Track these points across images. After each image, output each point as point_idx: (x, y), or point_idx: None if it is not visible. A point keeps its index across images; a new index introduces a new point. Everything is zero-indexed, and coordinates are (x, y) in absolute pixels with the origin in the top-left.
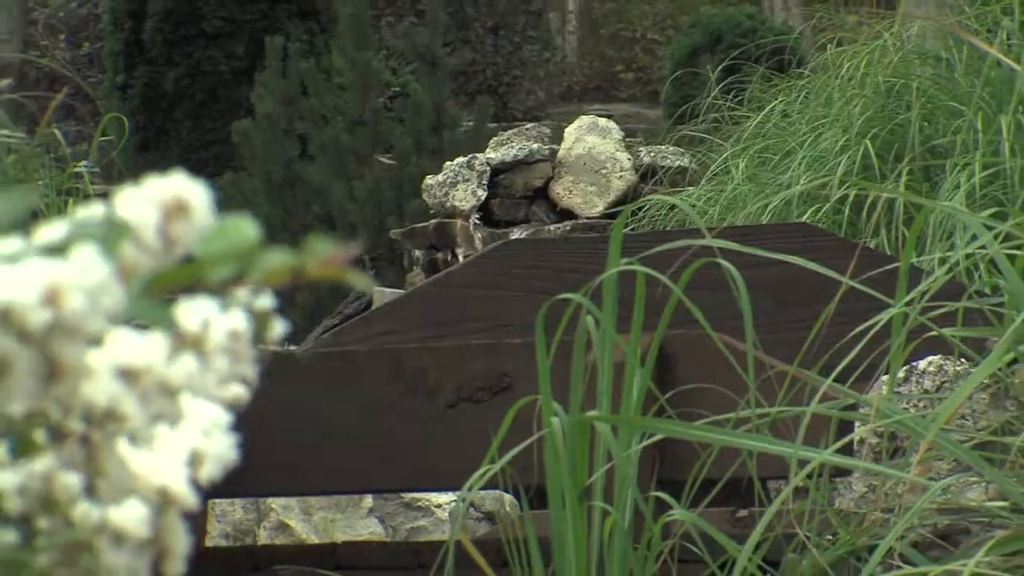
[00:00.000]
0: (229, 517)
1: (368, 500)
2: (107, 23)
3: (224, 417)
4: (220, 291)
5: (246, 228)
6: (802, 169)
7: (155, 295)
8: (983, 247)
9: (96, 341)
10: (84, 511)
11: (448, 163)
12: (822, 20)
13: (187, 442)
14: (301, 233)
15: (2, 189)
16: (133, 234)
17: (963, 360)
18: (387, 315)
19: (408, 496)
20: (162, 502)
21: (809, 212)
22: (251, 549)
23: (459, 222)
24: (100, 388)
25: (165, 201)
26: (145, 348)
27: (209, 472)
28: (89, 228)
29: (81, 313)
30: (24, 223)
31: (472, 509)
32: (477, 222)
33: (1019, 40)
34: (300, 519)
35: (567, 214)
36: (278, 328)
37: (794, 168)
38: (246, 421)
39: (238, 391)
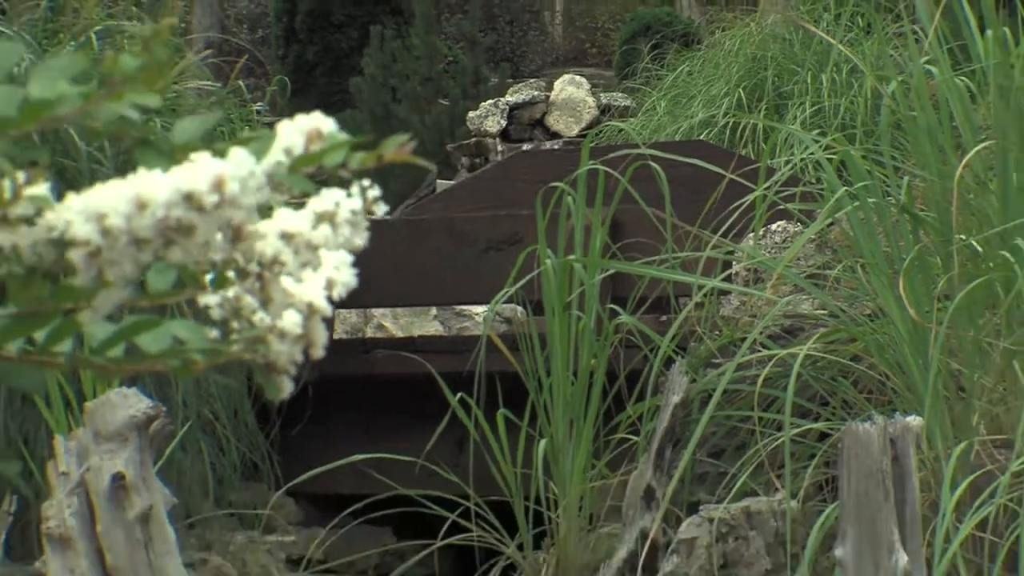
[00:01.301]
0: (348, 321)
1: (433, 310)
2: (272, 17)
3: (347, 259)
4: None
5: (342, 137)
6: (699, 107)
7: (299, 173)
8: (812, 153)
9: (265, 214)
10: (260, 317)
11: (482, 104)
12: (712, 15)
13: (324, 275)
14: (390, 128)
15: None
16: (283, 144)
17: (799, 224)
18: (444, 197)
19: (458, 308)
20: (309, 312)
21: (704, 133)
22: (362, 340)
23: (489, 140)
24: (269, 245)
25: (307, 129)
26: (298, 219)
27: (338, 293)
28: (254, 143)
29: (237, 194)
30: (209, 135)
31: (496, 316)
32: (500, 140)
33: (833, 26)
34: (391, 322)
35: (555, 135)
36: (380, 207)
37: (695, 106)
38: (360, 262)
39: (356, 244)
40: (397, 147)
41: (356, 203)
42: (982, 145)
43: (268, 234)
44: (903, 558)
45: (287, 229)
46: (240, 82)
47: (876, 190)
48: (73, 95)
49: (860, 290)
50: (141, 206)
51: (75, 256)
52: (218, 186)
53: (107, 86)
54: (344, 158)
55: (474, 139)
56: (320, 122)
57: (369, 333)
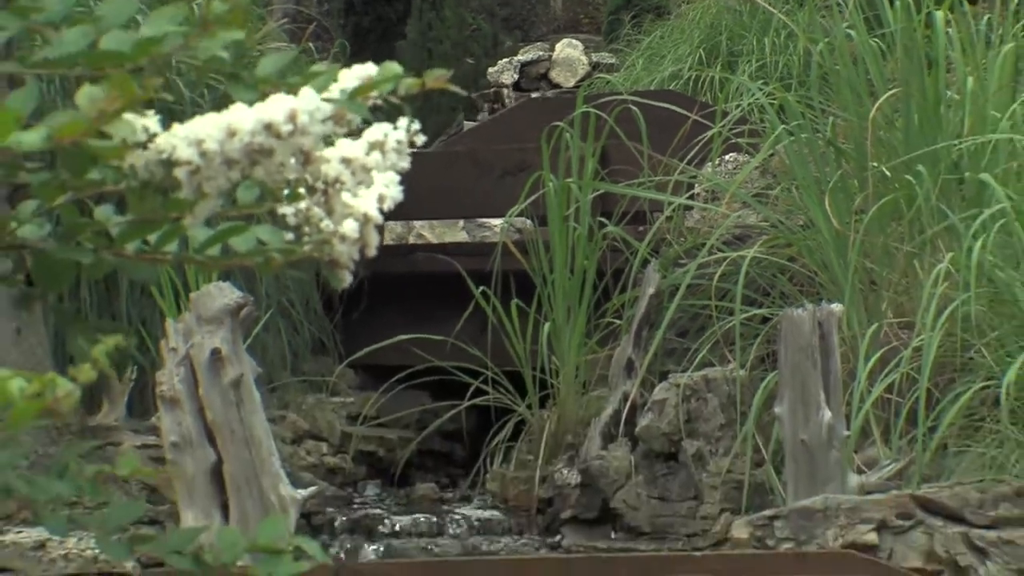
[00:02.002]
0: (394, 231)
1: (461, 223)
2: None
3: (394, 179)
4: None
5: (398, 67)
6: (669, 64)
7: (357, 100)
8: (757, 99)
9: (329, 143)
10: (325, 224)
11: (499, 62)
12: None
13: (376, 191)
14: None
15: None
16: (342, 84)
17: (747, 155)
18: (470, 135)
19: (480, 220)
20: (364, 221)
21: (673, 84)
22: (405, 246)
23: (504, 90)
24: (332, 167)
25: (360, 75)
26: (355, 147)
27: (387, 206)
28: (319, 78)
29: (307, 123)
30: (284, 71)
31: (510, 227)
32: (513, 90)
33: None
34: (428, 231)
35: (557, 86)
36: (420, 139)
37: (665, 63)
38: (403, 182)
39: (400, 167)
40: (436, 77)
41: (401, 134)
42: (890, 92)
43: (331, 159)
44: (827, 414)
45: (346, 154)
46: (310, 44)
47: (807, 128)
48: (176, 33)
49: (794, 206)
50: (231, 133)
51: (179, 173)
52: (292, 117)
53: (202, 25)
54: (395, 85)
55: (493, 89)
56: (371, 69)
57: (411, 240)
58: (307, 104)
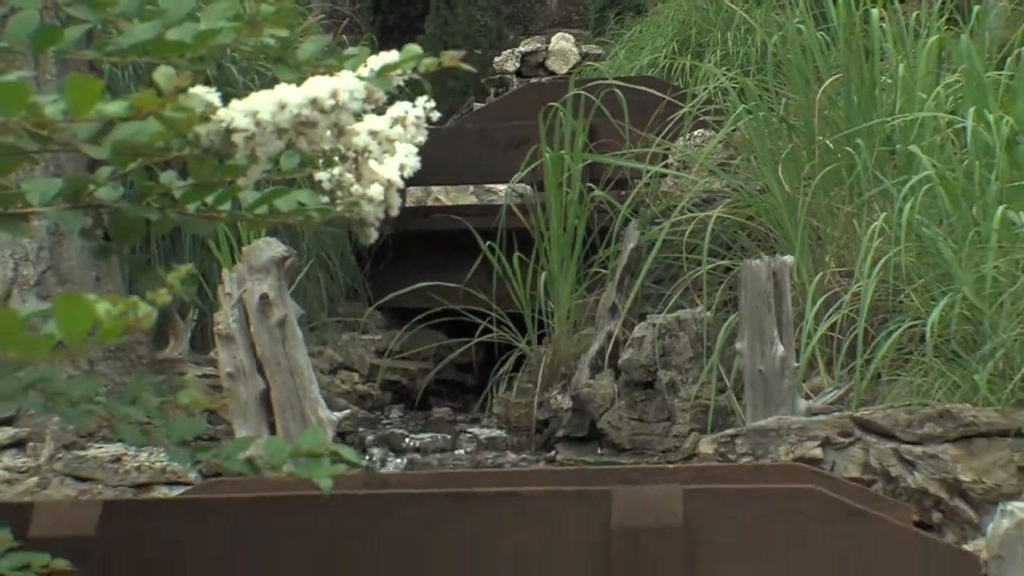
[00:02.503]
0: (414, 195)
1: (471, 188)
2: None
3: (413, 150)
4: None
5: (418, 48)
6: (647, 54)
7: (384, 78)
8: (721, 84)
9: (359, 118)
10: (355, 188)
11: (504, 52)
12: None
13: (398, 160)
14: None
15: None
16: (371, 65)
17: (713, 130)
18: (479, 114)
19: (487, 186)
20: (388, 185)
21: (650, 71)
22: (423, 207)
23: (508, 76)
24: (361, 139)
25: (386, 58)
26: (380, 121)
27: (407, 173)
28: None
29: (346, 101)
30: (321, 55)
31: (513, 192)
32: (516, 76)
33: None
34: (443, 195)
35: (552, 73)
36: (436, 115)
37: (644, 53)
38: (421, 153)
39: (419, 140)
40: (451, 57)
41: (419, 111)
42: (833, 78)
43: (360, 131)
44: (780, 349)
45: (373, 128)
46: (344, 37)
47: (763, 108)
48: (230, 28)
49: (752, 174)
50: (282, 106)
51: (237, 139)
52: (334, 95)
53: (252, 23)
54: (416, 64)
55: (498, 76)
56: (393, 55)
57: (428, 203)
58: (347, 84)
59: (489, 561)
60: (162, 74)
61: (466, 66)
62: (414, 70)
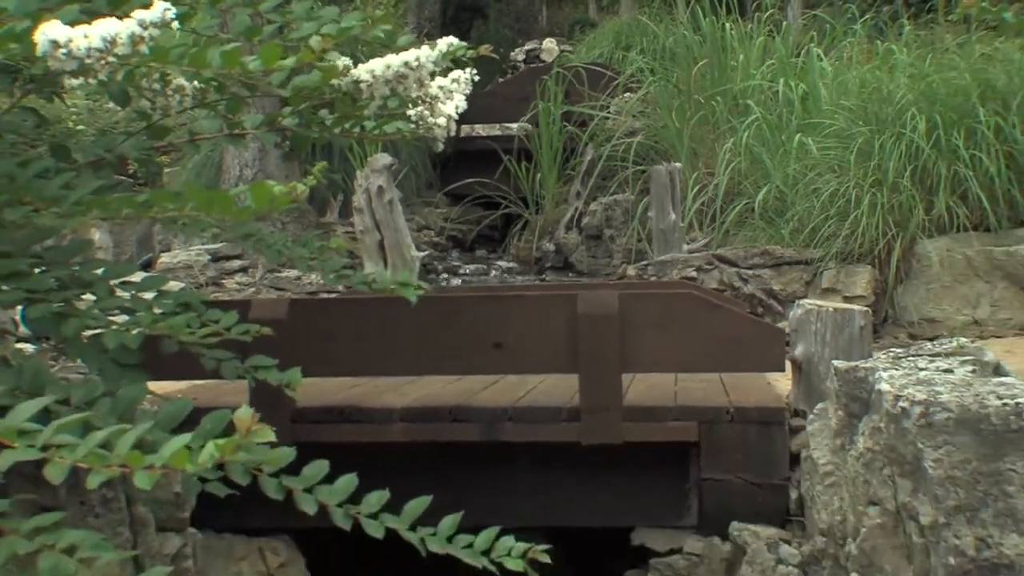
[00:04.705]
0: (463, 128)
1: (497, 125)
2: (437, 9)
3: (463, 99)
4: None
5: (462, 42)
6: (598, 49)
7: (447, 56)
8: (640, 67)
9: (433, 78)
10: (431, 119)
11: (516, 49)
12: (602, 16)
13: (454, 104)
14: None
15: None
16: (439, 48)
17: (634, 93)
18: (502, 84)
19: (505, 124)
20: (448, 118)
21: (600, 59)
22: (468, 136)
23: (520, 63)
24: (433, 90)
25: (445, 43)
26: (444, 80)
27: (459, 112)
28: (427, 45)
29: (424, 63)
30: (410, 43)
31: (521, 128)
32: (523, 63)
33: (653, 18)
34: (481, 128)
35: (543, 61)
36: (476, 78)
37: (596, 49)
38: (468, 102)
39: (466, 92)
40: (483, 48)
41: (467, 76)
42: (703, 61)
43: (432, 85)
44: (673, 216)
45: (440, 83)
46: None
47: (664, 79)
48: (359, 24)
49: (658, 118)
50: (387, 67)
51: (362, 87)
52: (417, 59)
53: (371, 22)
54: (464, 52)
55: (512, 63)
56: (451, 40)
57: (472, 133)
58: (424, 55)
59: (509, 330)
60: (314, 41)
61: (492, 55)
62: (465, 57)
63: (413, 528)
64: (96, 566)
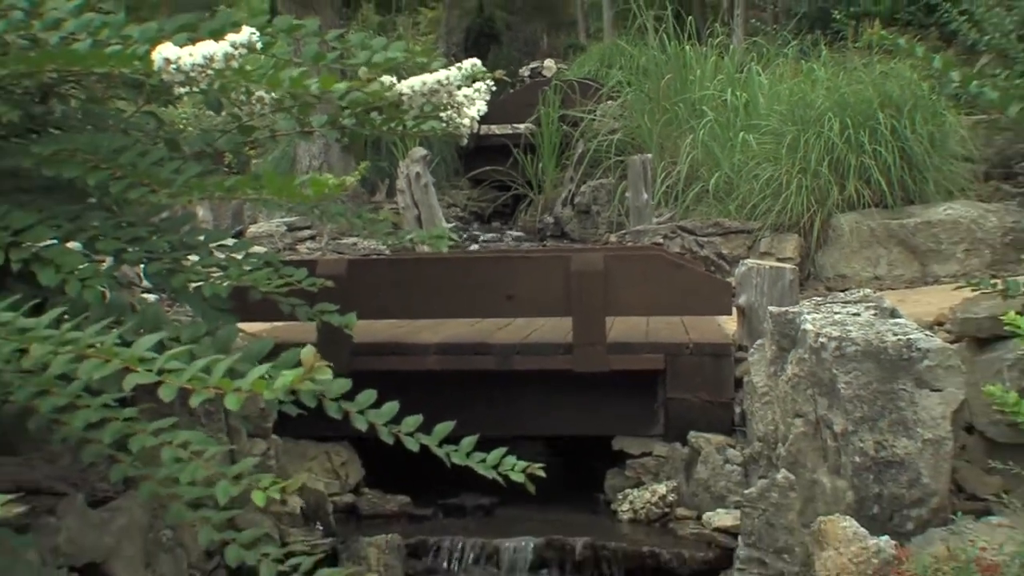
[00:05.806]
0: (482, 127)
1: (509, 125)
2: (462, 36)
3: (483, 105)
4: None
5: (481, 64)
6: (587, 66)
7: (468, 75)
8: (620, 80)
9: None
10: (457, 121)
11: (523, 68)
12: (590, 40)
13: (476, 108)
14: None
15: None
16: (463, 67)
17: (615, 100)
18: (513, 94)
19: (515, 124)
20: (471, 120)
21: (588, 74)
22: (486, 134)
23: (526, 79)
24: (459, 97)
25: (468, 64)
26: (468, 90)
27: (480, 114)
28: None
29: (452, 80)
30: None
31: (527, 127)
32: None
33: (629, 41)
34: (495, 127)
35: (544, 76)
36: (493, 88)
37: (586, 67)
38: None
39: (486, 98)
40: (497, 72)
41: (485, 88)
42: (669, 76)
43: (459, 95)
44: (645, 195)
45: (466, 93)
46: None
47: (640, 89)
48: (400, 57)
49: (634, 120)
50: (423, 83)
51: (404, 97)
52: (447, 77)
53: (410, 53)
54: (483, 75)
55: (520, 78)
56: (475, 62)
57: (488, 131)
58: (452, 74)
59: (518, 284)
60: (363, 71)
61: (505, 79)
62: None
63: (440, 444)
64: (204, 458)
